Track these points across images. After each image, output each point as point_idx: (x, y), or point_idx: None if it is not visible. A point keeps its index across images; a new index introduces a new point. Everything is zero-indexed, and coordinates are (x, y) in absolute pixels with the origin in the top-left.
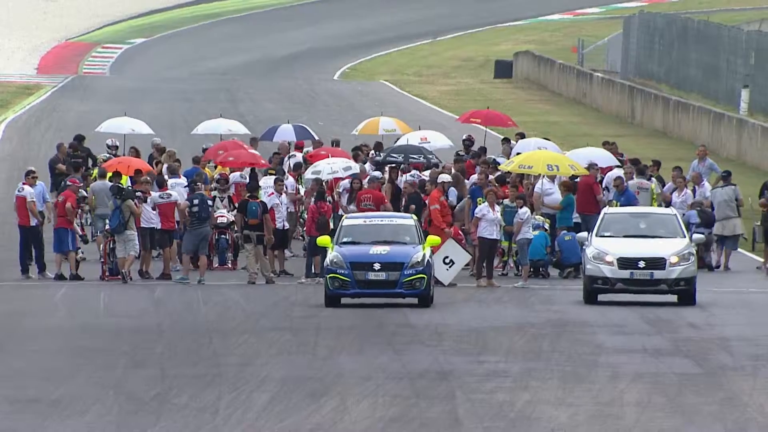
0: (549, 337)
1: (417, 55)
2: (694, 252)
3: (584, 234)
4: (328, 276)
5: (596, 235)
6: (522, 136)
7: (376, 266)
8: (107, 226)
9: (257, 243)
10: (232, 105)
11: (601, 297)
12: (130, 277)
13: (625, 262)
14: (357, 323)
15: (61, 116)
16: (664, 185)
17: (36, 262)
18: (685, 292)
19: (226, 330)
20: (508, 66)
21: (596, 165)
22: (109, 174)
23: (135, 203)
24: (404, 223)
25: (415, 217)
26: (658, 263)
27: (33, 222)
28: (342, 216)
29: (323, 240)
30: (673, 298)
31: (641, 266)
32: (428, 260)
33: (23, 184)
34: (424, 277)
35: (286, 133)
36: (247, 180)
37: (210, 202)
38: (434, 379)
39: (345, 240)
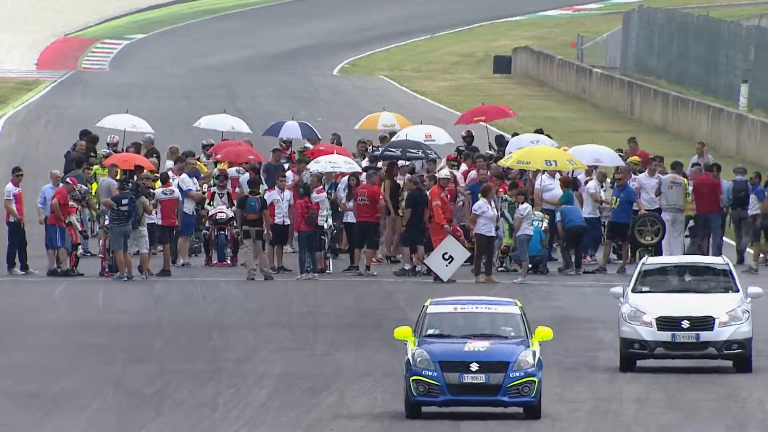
0: None
1: (416, 50)
2: (749, 309)
3: (619, 289)
4: (411, 379)
5: (632, 291)
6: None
7: (474, 366)
8: (107, 221)
9: (256, 238)
10: (231, 101)
11: (640, 362)
12: (150, 272)
13: (666, 322)
14: (356, 320)
15: (60, 112)
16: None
17: (18, 260)
18: (738, 357)
19: (225, 326)
20: (507, 61)
21: (719, 165)
22: (106, 170)
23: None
24: (506, 311)
25: (519, 303)
26: (705, 323)
27: (11, 219)
28: (342, 213)
29: (402, 332)
30: (727, 362)
31: (685, 327)
32: (539, 359)
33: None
34: (534, 381)
35: (291, 130)
36: (244, 176)
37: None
38: None
39: (430, 332)
